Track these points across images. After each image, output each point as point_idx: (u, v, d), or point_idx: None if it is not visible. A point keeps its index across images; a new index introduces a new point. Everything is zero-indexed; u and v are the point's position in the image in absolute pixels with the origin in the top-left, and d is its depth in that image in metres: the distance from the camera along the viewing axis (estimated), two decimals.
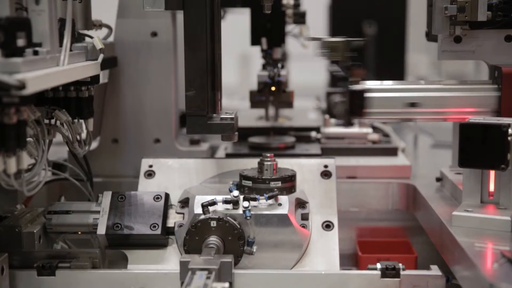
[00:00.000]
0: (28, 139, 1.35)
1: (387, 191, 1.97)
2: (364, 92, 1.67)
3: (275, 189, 1.54)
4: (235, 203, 1.51)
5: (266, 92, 2.11)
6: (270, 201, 1.52)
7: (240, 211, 1.50)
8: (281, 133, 2.19)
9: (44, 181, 1.41)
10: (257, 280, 1.46)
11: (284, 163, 1.66)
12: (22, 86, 1.14)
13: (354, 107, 1.68)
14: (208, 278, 1.30)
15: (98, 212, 1.58)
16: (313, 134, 2.20)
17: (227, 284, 1.28)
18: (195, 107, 1.60)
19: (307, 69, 4.18)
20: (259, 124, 2.30)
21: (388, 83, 1.74)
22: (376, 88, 1.70)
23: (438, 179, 1.89)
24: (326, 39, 1.64)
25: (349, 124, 1.67)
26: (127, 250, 1.56)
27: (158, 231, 1.54)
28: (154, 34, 1.98)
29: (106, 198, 1.60)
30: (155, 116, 2.01)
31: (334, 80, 3.20)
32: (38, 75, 1.23)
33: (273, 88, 2.10)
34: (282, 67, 2.18)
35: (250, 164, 1.66)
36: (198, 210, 1.52)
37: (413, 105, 1.69)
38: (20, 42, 1.24)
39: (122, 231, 1.54)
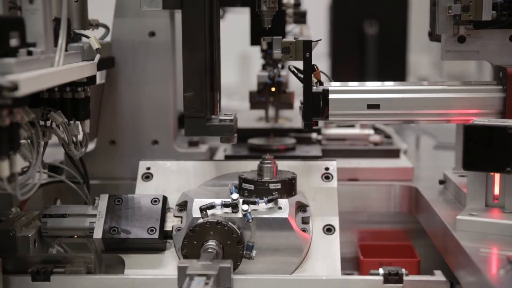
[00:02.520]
0: (22, 141, 1.33)
1: (389, 193, 1.95)
2: (325, 94, 1.64)
3: (275, 192, 1.51)
4: (234, 206, 1.48)
5: (266, 93, 2.09)
6: (270, 205, 1.50)
7: (240, 214, 1.47)
8: (281, 135, 2.16)
9: (38, 184, 1.38)
10: (257, 285, 1.44)
11: (284, 165, 1.63)
12: (14, 87, 1.11)
13: (314, 109, 1.64)
14: (206, 284, 1.27)
15: (95, 215, 1.55)
16: (314, 135, 2.18)
17: None
18: (194, 108, 1.58)
19: None
20: (259, 125, 2.28)
21: (350, 84, 1.70)
22: (336, 89, 1.66)
23: (441, 182, 1.86)
24: (278, 39, 1.60)
25: (310, 128, 1.64)
26: (124, 254, 1.54)
27: (156, 235, 1.51)
28: (152, 34, 1.96)
29: (103, 201, 1.57)
30: (153, 117, 1.99)
31: (335, 80, 3.19)
32: (32, 76, 1.20)
33: (273, 89, 2.08)
34: (282, 67, 2.15)
35: (249, 166, 1.64)
36: (196, 213, 1.49)
37: (373, 106, 1.65)
38: (13, 42, 1.22)
39: (119, 235, 1.52)
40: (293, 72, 1.64)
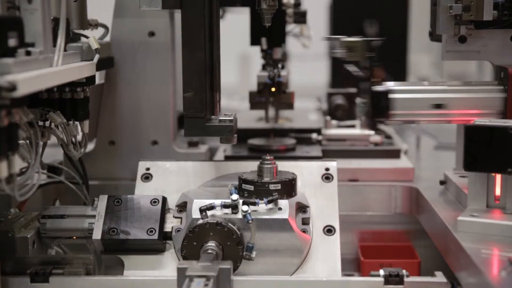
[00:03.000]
0: (21, 141, 1.32)
1: (389, 194, 1.94)
2: (388, 93, 1.63)
3: (275, 193, 1.50)
4: (234, 207, 1.47)
5: (266, 93, 2.08)
6: (270, 205, 1.49)
7: (239, 215, 1.47)
8: (281, 135, 2.16)
9: (37, 185, 1.37)
10: (257, 286, 1.43)
11: (285, 165, 1.63)
12: (12, 87, 1.11)
13: (378, 109, 1.63)
14: (206, 285, 1.26)
15: (94, 216, 1.55)
16: (314, 136, 2.17)
17: None
18: (193, 108, 1.57)
19: (308, 69, 4.15)
20: (259, 126, 2.27)
21: (410, 84, 1.70)
22: (400, 89, 1.66)
23: (442, 182, 1.85)
24: (344, 39, 1.60)
25: (373, 127, 1.63)
26: (124, 255, 1.53)
27: (155, 236, 1.51)
28: (151, 33, 1.95)
29: (102, 202, 1.57)
30: (152, 117, 1.98)
31: (336, 81, 3.18)
32: (30, 76, 1.19)
33: (273, 89, 2.07)
34: (283, 67, 2.15)
35: (249, 167, 1.63)
36: (196, 214, 1.48)
37: (438, 106, 1.64)
38: (12, 42, 1.21)
39: (118, 236, 1.51)
40: (354, 71, 1.63)
